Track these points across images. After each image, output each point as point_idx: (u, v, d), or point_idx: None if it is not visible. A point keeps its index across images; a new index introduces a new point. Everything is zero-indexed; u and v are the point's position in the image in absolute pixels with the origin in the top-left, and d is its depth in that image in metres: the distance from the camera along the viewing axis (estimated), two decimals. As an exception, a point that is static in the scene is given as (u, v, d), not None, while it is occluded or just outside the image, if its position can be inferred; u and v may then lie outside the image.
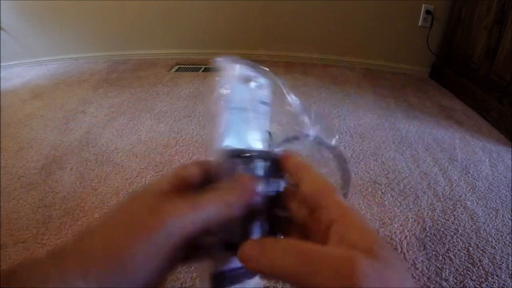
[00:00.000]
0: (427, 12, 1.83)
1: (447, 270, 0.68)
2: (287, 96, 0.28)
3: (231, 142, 0.23)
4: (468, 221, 0.82)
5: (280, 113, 0.27)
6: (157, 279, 0.18)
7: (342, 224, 0.18)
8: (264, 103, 0.26)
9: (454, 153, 1.13)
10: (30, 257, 0.17)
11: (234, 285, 0.22)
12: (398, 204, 0.87)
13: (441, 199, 0.89)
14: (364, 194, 0.91)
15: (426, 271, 0.68)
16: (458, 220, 0.82)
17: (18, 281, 0.16)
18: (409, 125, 1.31)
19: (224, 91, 0.24)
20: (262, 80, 0.28)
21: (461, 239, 0.76)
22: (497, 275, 0.68)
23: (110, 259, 0.17)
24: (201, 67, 2.04)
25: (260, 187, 0.22)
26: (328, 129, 0.29)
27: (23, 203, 0.89)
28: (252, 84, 0.27)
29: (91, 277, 0.16)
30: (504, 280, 0.67)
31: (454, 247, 0.74)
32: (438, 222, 0.81)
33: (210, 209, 0.19)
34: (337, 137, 0.29)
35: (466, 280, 0.66)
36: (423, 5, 1.83)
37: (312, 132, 0.29)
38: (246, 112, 0.25)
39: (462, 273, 0.68)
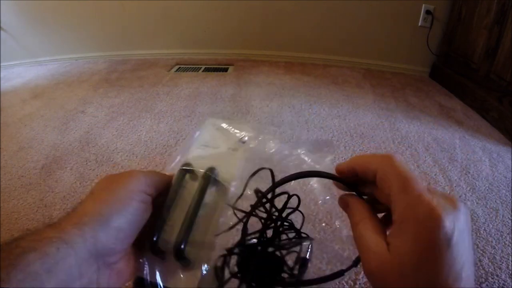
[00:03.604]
0: (427, 12, 1.83)
1: (447, 270, 0.68)
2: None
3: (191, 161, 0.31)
4: (468, 221, 0.82)
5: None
6: (132, 227, 0.24)
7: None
8: (242, 142, 0.32)
9: (454, 153, 1.13)
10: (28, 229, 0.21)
11: None
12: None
13: (441, 199, 0.89)
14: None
15: (426, 271, 0.68)
16: (458, 220, 0.82)
17: (16, 245, 0.19)
18: (409, 125, 1.31)
19: (197, 135, 0.34)
20: (241, 128, 0.34)
21: (461, 239, 0.76)
22: (497, 275, 0.68)
23: (98, 211, 0.22)
24: (201, 67, 2.04)
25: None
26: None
27: (23, 203, 0.89)
28: (232, 131, 0.34)
29: (85, 228, 0.21)
30: (504, 280, 0.67)
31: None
32: (438, 222, 0.81)
33: (155, 176, 0.27)
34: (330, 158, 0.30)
35: (466, 280, 0.66)
36: (423, 5, 1.83)
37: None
38: (212, 149, 0.32)
39: (462, 273, 0.68)
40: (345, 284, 0.65)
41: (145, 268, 0.25)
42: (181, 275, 0.26)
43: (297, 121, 1.31)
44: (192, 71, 1.99)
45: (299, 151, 0.29)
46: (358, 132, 1.24)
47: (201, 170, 0.29)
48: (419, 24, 1.88)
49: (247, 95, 1.57)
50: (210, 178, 0.28)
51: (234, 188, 0.28)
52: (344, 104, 1.49)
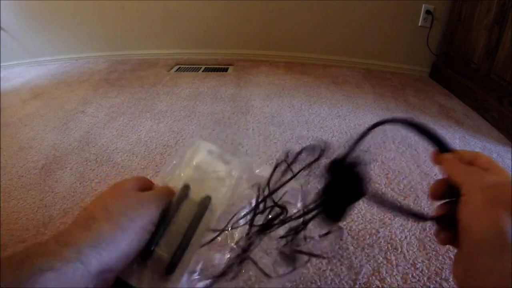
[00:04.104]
0: (427, 12, 1.83)
1: (447, 270, 0.68)
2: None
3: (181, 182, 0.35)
4: (468, 221, 0.82)
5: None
6: (136, 252, 0.26)
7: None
8: (229, 175, 0.36)
9: (454, 153, 1.13)
10: (36, 242, 0.22)
11: None
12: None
13: (441, 199, 0.89)
14: (364, 194, 0.91)
15: (426, 271, 0.68)
16: (458, 220, 0.82)
17: (30, 264, 0.20)
18: (409, 125, 1.31)
19: (189, 154, 0.38)
20: (231, 159, 0.38)
21: (461, 239, 0.76)
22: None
23: (115, 238, 0.24)
24: (201, 67, 2.04)
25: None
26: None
27: (23, 203, 0.89)
28: (221, 161, 0.38)
29: (103, 252, 0.23)
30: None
31: (454, 247, 0.74)
32: (438, 222, 0.81)
33: (165, 201, 0.30)
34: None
35: (466, 280, 0.66)
36: (423, 5, 1.83)
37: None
38: (205, 173, 0.36)
39: (462, 273, 0.68)
40: (345, 284, 0.65)
41: (132, 274, 0.28)
42: (160, 280, 0.29)
43: (297, 121, 1.31)
44: (192, 71, 1.99)
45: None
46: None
47: (200, 195, 0.34)
48: (419, 24, 1.88)
49: (247, 95, 1.57)
50: (207, 206, 0.33)
51: (219, 213, 0.34)
52: (344, 104, 1.49)
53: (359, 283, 0.65)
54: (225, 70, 1.99)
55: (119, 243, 0.24)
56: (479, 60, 1.50)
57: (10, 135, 1.27)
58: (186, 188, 0.34)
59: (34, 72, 2.11)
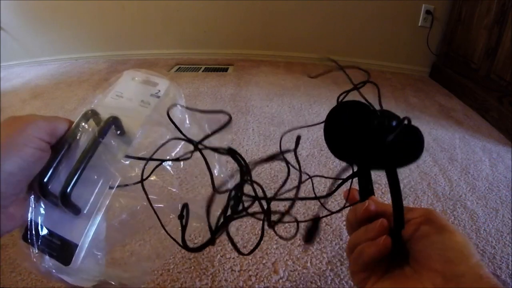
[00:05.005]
0: (427, 12, 1.83)
1: (447, 270, 0.68)
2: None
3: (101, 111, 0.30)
4: (468, 221, 0.82)
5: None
6: (24, 173, 0.24)
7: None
8: (157, 96, 0.31)
9: (454, 153, 1.13)
10: None
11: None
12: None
13: (441, 199, 0.89)
14: (364, 194, 0.91)
15: (426, 271, 0.68)
16: (458, 220, 0.82)
17: None
18: (409, 125, 1.31)
19: (113, 84, 0.33)
20: (159, 82, 0.33)
21: (461, 239, 0.76)
22: (497, 275, 0.68)
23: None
24: (201, 67, 2.04)
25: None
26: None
27: (23, 203, 0.89)
28: (148, 83, 0.33)
29: None
30: (503, 280, 0.67)
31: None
32: (438, 222, 0.81)
33: (55, 122, 0.27)
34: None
35: (466, 280, 0.66)
36: (423, 5, 1.83)
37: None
38: (125, 99, 0.31)
39: (462, 273, 0.68)
40: (345, 284, 0.65)
41: (32, 211, 0.25)
42: (70, 222, 0.26)
43: (297, 121, 1.31)
44: (192, 71, 1.99)
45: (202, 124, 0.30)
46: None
47: (103, 117, 0.28)
48: (419, 24, 1.88)
49: (247, 95, 1.57)
50: (109, 125, 0.28)
51: (137, 140, 0.29)
52: (344, 104, 1.49)
53: (359, 283, 0.65)
54: (225, 70, 1.99)
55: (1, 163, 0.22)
56: (479, 60, 1.50)
57: (10, 135, 1.27)
58: (91, 112, 0.29)
59: (34, 72, 2.11)
